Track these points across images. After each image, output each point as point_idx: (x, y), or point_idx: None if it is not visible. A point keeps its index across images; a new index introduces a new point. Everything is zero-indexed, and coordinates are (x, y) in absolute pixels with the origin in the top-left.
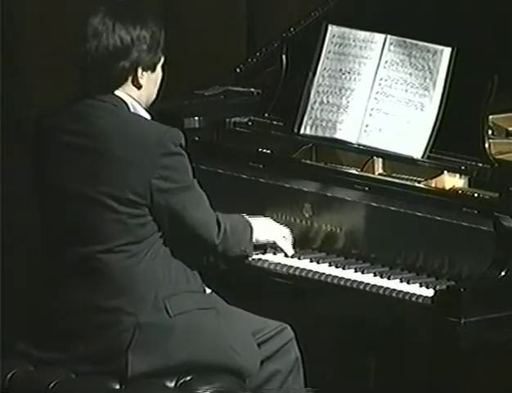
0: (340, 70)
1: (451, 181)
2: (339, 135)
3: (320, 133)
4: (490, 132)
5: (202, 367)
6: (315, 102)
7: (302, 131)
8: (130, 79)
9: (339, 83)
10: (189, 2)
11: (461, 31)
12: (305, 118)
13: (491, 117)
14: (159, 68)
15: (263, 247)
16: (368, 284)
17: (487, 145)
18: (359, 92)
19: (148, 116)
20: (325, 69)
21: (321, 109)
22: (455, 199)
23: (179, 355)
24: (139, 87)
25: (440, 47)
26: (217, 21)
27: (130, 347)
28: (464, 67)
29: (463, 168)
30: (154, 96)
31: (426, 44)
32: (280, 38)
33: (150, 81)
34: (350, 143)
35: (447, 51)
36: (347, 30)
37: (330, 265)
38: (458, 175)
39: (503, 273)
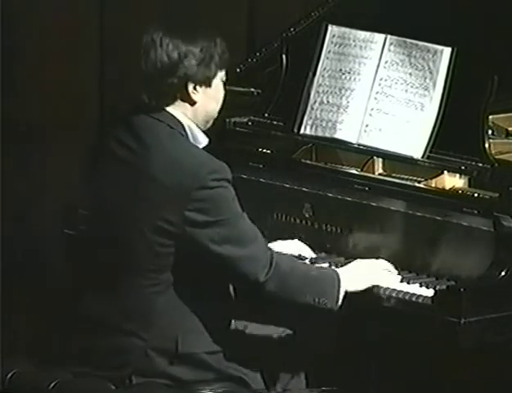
0: (340, 70)
1: (451, 181)
2: (339, 135)
3: (320, 133)
4: (490, 132)
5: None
6: (315, 102)
7: (302, 131)
8: (181, 95)
9: (339, 83)
10: (189, 3)
11: (461, 31)
12: (305, 118)
13: (491, 117)
14: (216, 83)
15: None
16: None
17: (487, 145)
18: (359, 92)
19: (205, 140)
20: (325, 69)
21: (321, 109)
22: (455, 199)
23: (185, 380)
24: (193, 103)
25: (440, 47)
26: (218, 21)
27: (134, 371)
28: (464, 67)
29: (463, 168)
30: (214, 114)
31: (426, 44)
32: (280, 38)
33: (207, 97)
34: (350, 143)
35: (447, 51)
36: (347, 30)
37: (330, 265)
38: (458, 175)
39: (503, 273)
